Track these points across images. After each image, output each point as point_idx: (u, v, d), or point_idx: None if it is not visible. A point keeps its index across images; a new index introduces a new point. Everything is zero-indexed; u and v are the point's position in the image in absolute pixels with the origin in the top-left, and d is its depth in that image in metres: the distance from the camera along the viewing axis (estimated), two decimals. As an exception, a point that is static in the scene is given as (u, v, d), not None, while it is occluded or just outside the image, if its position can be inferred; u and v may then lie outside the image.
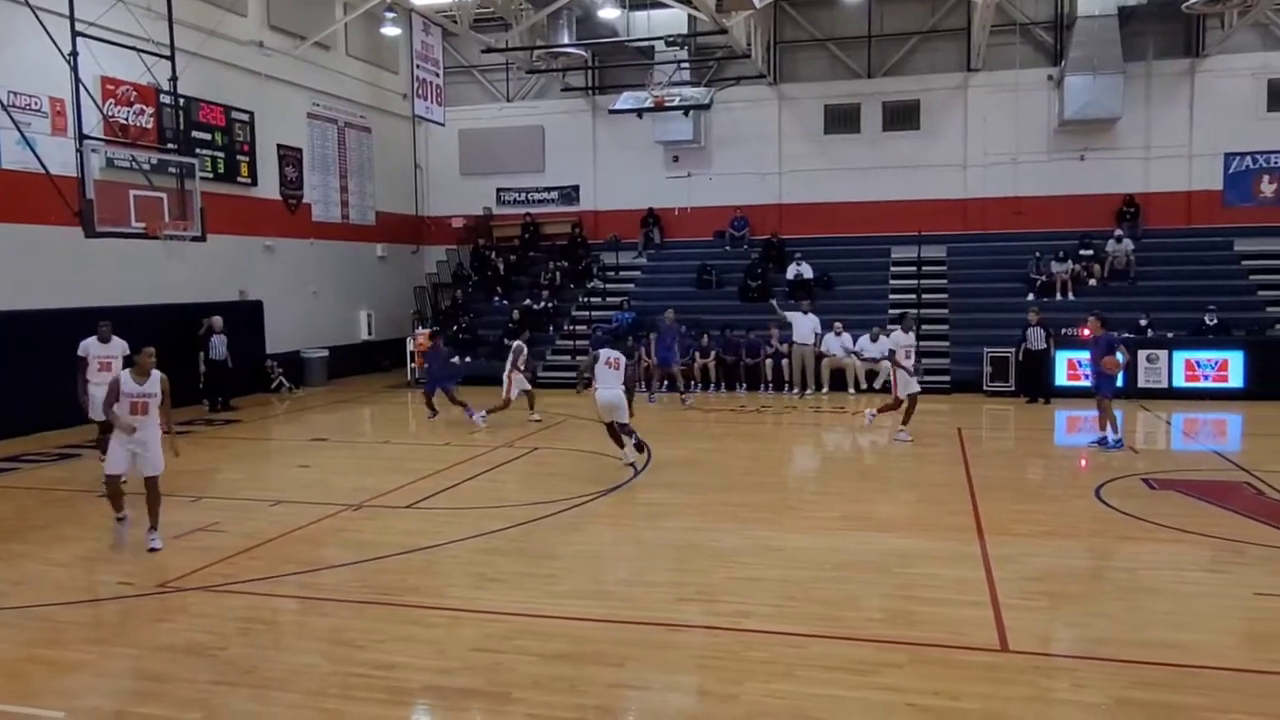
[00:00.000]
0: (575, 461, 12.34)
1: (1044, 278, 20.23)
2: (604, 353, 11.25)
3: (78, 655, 6.10)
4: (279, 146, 20.57)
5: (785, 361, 18.69)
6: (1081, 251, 20.69)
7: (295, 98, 21.03)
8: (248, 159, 19.51)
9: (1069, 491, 10.28)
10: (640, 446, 11.80)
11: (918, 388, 13.48)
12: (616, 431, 11.35)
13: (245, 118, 19.32)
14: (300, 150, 21.28)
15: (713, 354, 19.06)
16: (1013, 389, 17.48)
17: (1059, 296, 19.87)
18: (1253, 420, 15.06)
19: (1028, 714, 5.03)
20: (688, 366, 18.79)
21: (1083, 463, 12.49)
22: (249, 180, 19.58)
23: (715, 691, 5.40)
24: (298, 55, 20.55)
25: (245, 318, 18.76)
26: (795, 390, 18.50)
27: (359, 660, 5.86)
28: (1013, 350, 17.43)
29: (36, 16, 12.69)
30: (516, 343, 15.77)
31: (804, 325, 18.58)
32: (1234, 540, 8.08)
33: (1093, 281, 20.28)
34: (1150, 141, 21.92)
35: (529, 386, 15.55)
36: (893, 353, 13.49)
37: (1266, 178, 21.53)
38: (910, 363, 13.31)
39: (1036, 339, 17.01)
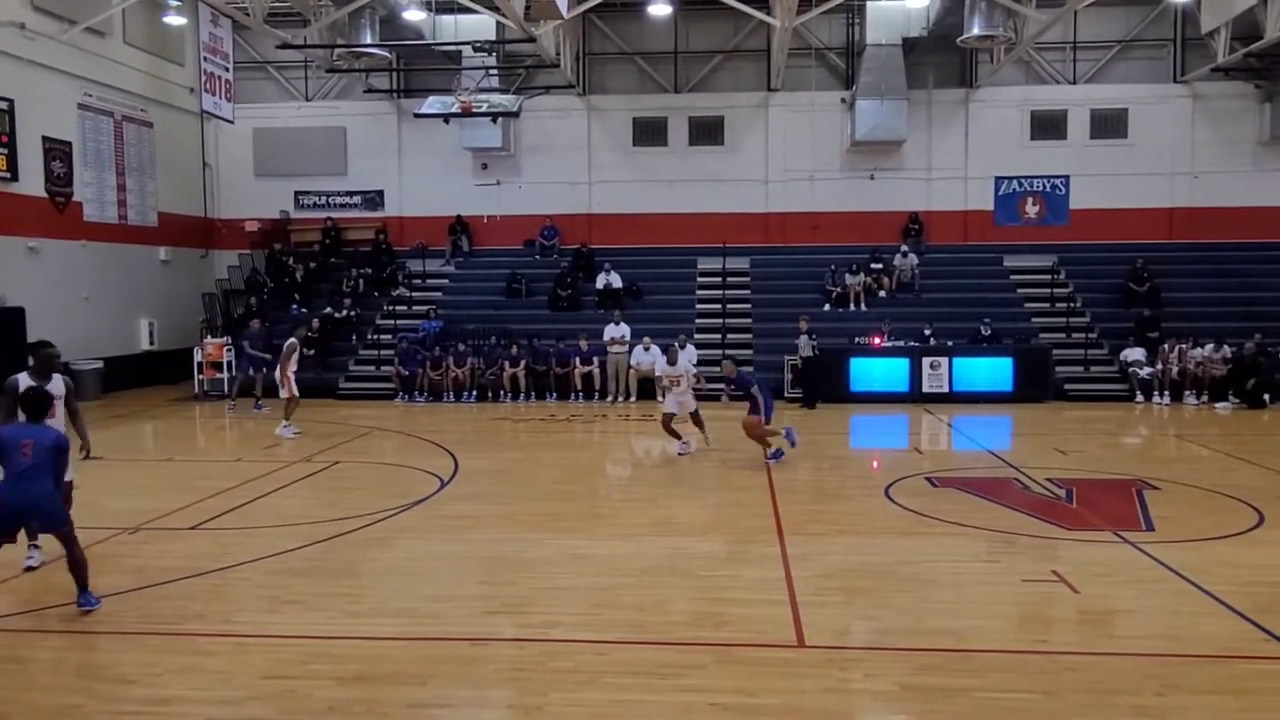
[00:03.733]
0: (379, 475, 11.90)
1: (839, 289, 21.38)
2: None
3: None
4: (45, 139, 18.75)
5: (595, 370, 18.83)
6: (872, 265, 22.00)
7: (64, 86, 19.25)
8: (6, 151, 17.66)
9: (861, 491, 10.84)
10: None
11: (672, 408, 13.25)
12: None
13: (4, 106, 17.49)
14: (70, 144, 19.48)
15: (522, 363, 18.92)
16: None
17: (853, 307, 21.06)
18: (1020, 421, 16.46)
19: (823, 705, 5.23)
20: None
21: (874, 464, 13.24)
22: (8, 175, 17.73)
23: (520, 704, 5.30)
24: (66, 40, 18.82)
25: (4, 326, 16.95)
26: (609, 398, 18.66)
27: (130, 697, 5.37)
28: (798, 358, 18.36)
29: None
30: (290, 340, 15.18)
31: (615, 335, 18.89)
32: (1004, 532, 8.77)
33: (883, 293, 21.60)
34: (931, 164, 23.64)
35: (296, 392, 14.95)
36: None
37: (1030, 200, 23.68)
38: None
39: (805, 346, 17.97)
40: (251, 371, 18.24)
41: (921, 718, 5.13)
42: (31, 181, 18.42)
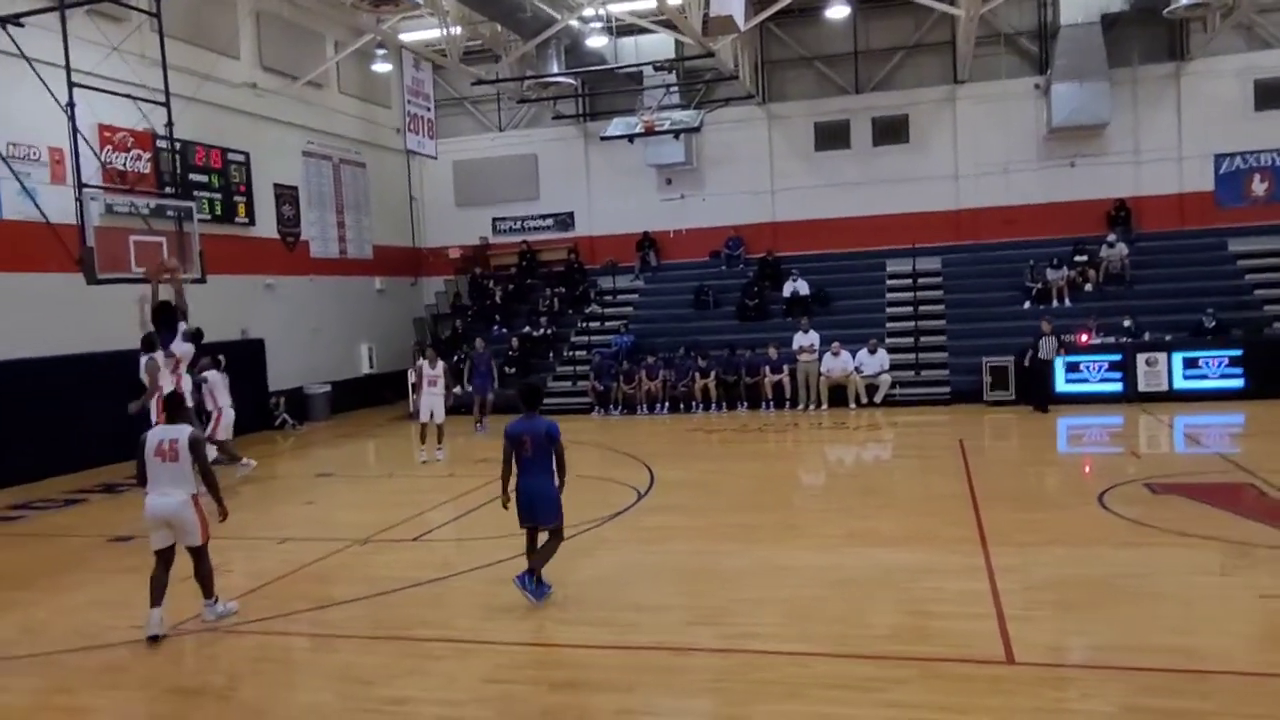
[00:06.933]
0: (579, 487, 12.29)
1: (1040, 285, 20.31)
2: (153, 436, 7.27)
3: (91, 701, 6.15)
4: (275, 185, 20.73)
5: (785, 379, 18.77)
6: (1076, 257, 20.78)
7: (290, 136, 21.22)
8: (244, 199, 19.67)
9: (1072, 499, 10.31)
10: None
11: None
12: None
13: (241, 158, 19.50)
14: (296, 188, 21.45)
15: (713, 374, 19.11)
16: (1013, 398, 17.52)
17: (1055, 303, 19.94)
18: (1255, 420, 15.08)
19: (1035, 725, 5.06)
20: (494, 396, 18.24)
21: (1086, 469, 12.54)
22: (247, 220, 19.73)
23: (725, 714, 5.44)
24: (291, 95, 20.78)
25: (248, 356, 18.84)
26: (800, 406, 18.56)
27: (370, 696, 5.89)
28: (1012, 359, 17.52)
29: (33, 68, 12.85)
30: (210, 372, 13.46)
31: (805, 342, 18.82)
32: (1239, 543, 8.10)
33: (1089, 287, 20.36)
34: (1139, 145, 22.04)
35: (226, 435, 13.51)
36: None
37: (1257, 177, 21.62)
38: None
39: (1048, 348, 16.95)
40: (486, 392, 18.25)
41: (1145, 741, 4.88)
42: (266, 225, 20.41)
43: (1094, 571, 7.63)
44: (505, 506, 7.53)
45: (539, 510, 7.34)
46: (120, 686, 6.33)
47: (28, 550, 10.40)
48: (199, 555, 7.24)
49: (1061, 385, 17.44)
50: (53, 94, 12.71)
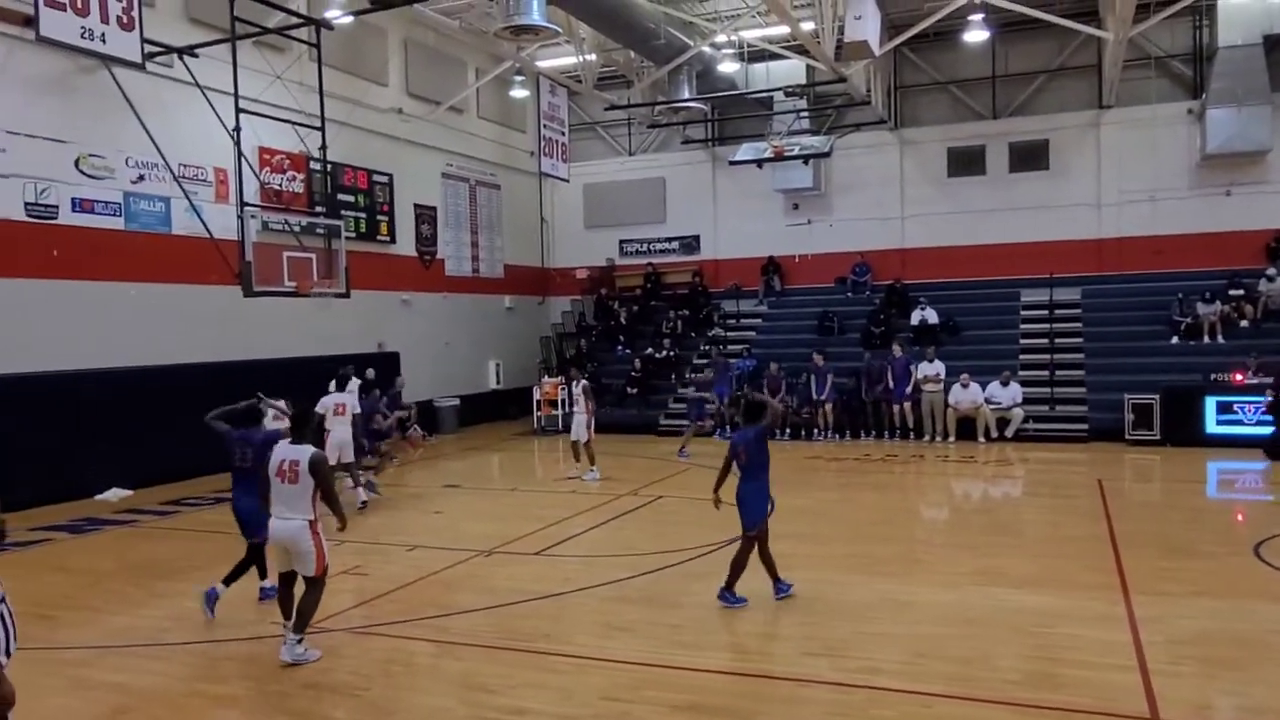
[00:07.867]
0: (700, 510, 12.31)
1: (1189, 319, 19.23)
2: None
3: (233, 690, 6.51)
4: (415, 206, 21.64)
5: (909, 406, 18.34)
6: (1230, 291, 19.61)
7: (431, 159, 22.13)
8: (387, 218, 20.60)
9: (1224, 548, 9.70)
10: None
11: None
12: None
13: (385, 180, 20.44)
14: (435, 208, 22.32)
15: (831, 403, 18.82)
16: (1158, 438, 16.62)
17: (1207, 339, 18.85)
18: None
19: (1179, 786, 4.79)
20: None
21: (1239, 517, 11.79)
22: (388, 238, 20.64)
23: (845, 749, 5.34)
24: (433, 120, 21.66)
25: (386, 366, 19.60)
26: (925, 437, 18.09)
27: (492, 705, 6.04)
28: (1158, 396, 16.65)
29: (205, 96, 13.85)
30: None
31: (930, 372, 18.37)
32: None
33: (1244, 323, 19.15)
34: (1305, 174, 20.70)
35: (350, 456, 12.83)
36: None
37: None
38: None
39: None
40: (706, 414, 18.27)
41: (1304, 813, 4.54)
42: (405, 243, 21.32)
43: (1247, 627, 7.15)
44: (716, 507, 8.27)
45: (740, 514, 7.98)
46: (260, 678, 6.67)
47: (179, 544, 11.10)
48: (311, 585, 6.92)
49: (1212, 427, 16.46)
50: (221, 119, 13.66)
